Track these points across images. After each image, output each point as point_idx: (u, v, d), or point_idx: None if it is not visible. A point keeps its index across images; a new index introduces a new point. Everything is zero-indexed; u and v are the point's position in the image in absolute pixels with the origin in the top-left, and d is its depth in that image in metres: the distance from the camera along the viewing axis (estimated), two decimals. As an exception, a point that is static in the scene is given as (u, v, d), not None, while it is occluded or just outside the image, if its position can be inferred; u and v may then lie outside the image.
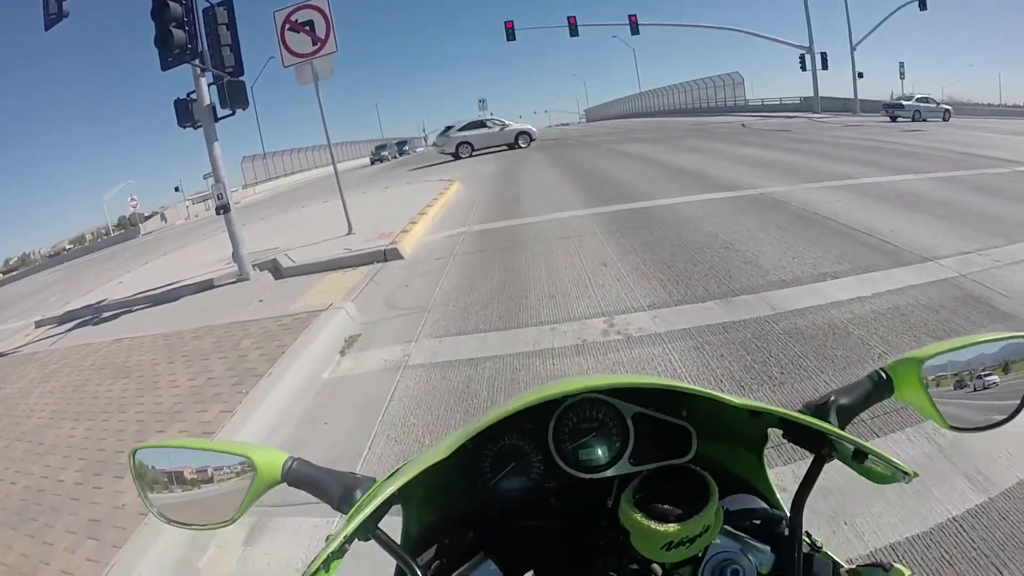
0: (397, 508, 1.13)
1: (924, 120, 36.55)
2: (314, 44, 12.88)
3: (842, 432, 1.02)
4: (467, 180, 22.63)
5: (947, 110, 39.97)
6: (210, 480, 1.16)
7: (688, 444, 1.18)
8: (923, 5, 45.61)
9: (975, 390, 1.15)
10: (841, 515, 3.15)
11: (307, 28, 12.84)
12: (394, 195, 21.45)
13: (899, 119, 37.46)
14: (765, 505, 1.18)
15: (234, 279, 12.20)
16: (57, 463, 5.75)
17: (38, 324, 14.62)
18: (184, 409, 6.05)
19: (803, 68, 50.60)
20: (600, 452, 1.19)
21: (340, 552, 0.94)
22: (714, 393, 0.99)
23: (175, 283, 13.08)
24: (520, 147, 37.97)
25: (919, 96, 40.73)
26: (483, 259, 10.11)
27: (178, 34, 10.54)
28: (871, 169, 14.70)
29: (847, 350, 5.17)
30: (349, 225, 13.88)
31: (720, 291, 6.88)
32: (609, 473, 1.17)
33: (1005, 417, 1.15)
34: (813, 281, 6.88)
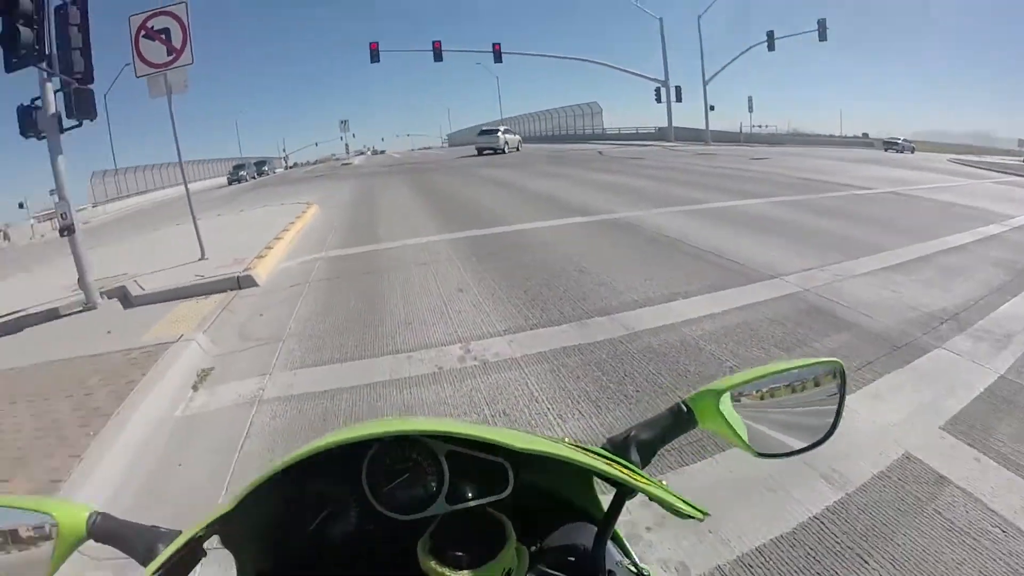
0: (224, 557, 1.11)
1: (903, 152, 50.05)
2: (169, 54, 12.28)
3: (630, 474, 1.04)
4: (325, 204, 22.33)
5: (913, 147, 53.35)
6: (12, 540, 1.11)
7: (506, 479, 1.17)
8: (771, 47, 48.75)
9: (781, 417, 1.21)
10: (706, 524, 3.22)
11: (163, 36, 12.24)
12: (250, 218, 20.90)
13: (889, 151, 50.45)
14: (591, 536, 1.16)
15: (80, 308, 11.58)
16: None
17: None
18: (28, 455, 5.67)
19: (658, 100, 52.88)
20: (416, 492, 1.16)
21: None
22: (496, 438, 0.98)
23: (15, 312, 12.37)
24: (507, 152, 49.58)
25: (904, 137, 54.79)
26: (339, 286, 9.99)
27: (25, 32, 9.83)
28: (720, 194, 15.38)
29: (700, 365, 5.40)
30: (202, 250, 13.38)
31: (575, 314, 7.03)
32: (424, 514, 1.14)
33: (815, 441, 1.21)
34: (665, 301, 7.14)
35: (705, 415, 1.18)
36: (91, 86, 11.51)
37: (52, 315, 11.62)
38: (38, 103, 11.18)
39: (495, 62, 50.85)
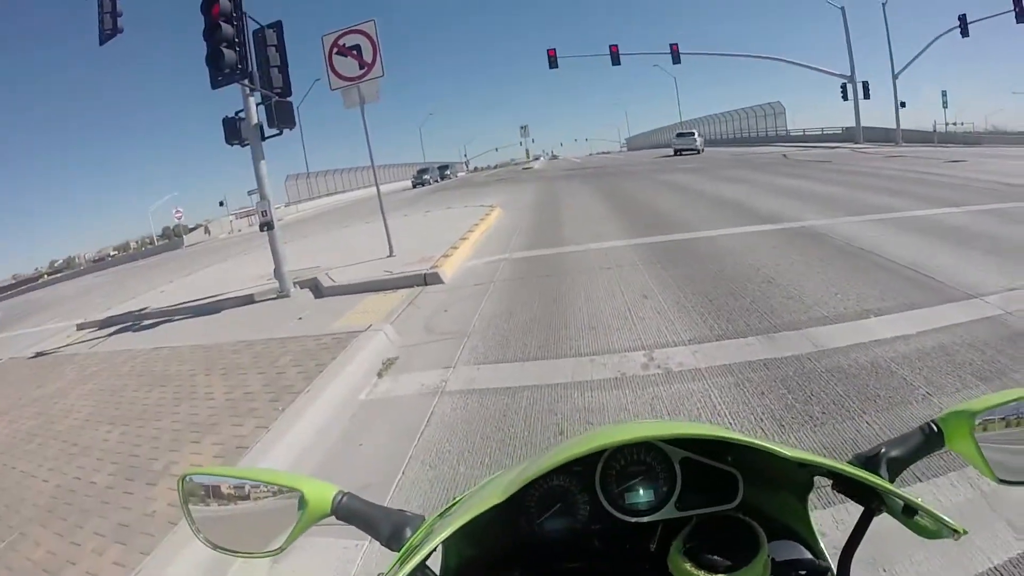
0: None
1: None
2: (361, 68, 13.15)
3: (892, 487, 1.01)
4: (508, 206, 22.81)
5: None
6: (258, 510, 1.18)
7: (734, 490, 1.17)
8: (964, 32, 44.86)
9: (1021, 443, 1.12)
10: (881, 562, 3.06)
11: (354, 52, 13.12)
12: (436, 219, 21.69)
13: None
14: (809, 553, 1.15)
15: (275, 295, 12.38)
16: (90, 465, 5.85)
17: (80, 327, 14.94)
18: (219, 422, 6.12)
19: (845, 98, 50.04)
20: (646, 496, 1.18)
21: None
22: (767, 445, 0.97)
23: (216, 296, 13.27)
24: (699, 152, 56.13)
25: None
26: (523, 287, 10.15)
27: (229, 54, 10.80)
28: (915, 202, 14.44)
29: (890, 390, 5.03)
30: (390, 247, 14.01)
31: (761, 326, 6.78)
32: (655, 517, 1.16)
33: None
34: (856, 318, 6.75)
35: (954, 436, 1.12)
36: (290, 98, 12.43)
37: (248, 300, 12.49)
38: (241, 115, 12.27)
39: (673, 63, 50.35)
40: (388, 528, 1.14)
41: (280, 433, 5.51)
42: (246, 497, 1.19)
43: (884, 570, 3.04)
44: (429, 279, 11.28)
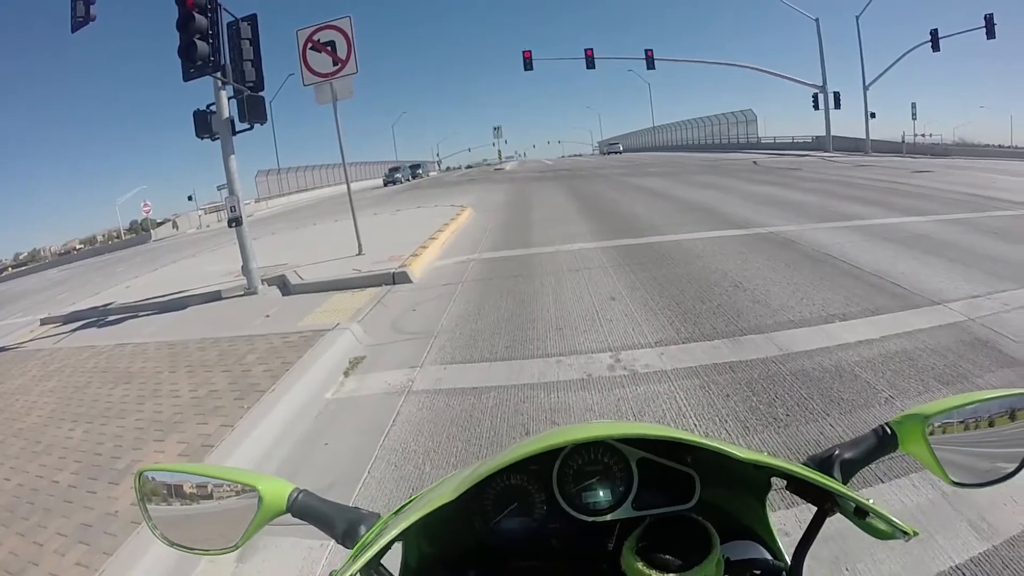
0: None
1: None
2: (335, 64, 13.08)
3: (843, 489, 1.02)
4: (478, 207, 22.80)
5: None
6: (215, 507, 1.17)
7: (692, 490, 1.18)
8: (935, 46, 45.33)
9: (979, 446, 1.15)
10: (843, 561, 3.09)
11: (329, 48, 13.03)
12: (406, 218, 21.65)
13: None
14: (767, 552, 1.17)
15: (242, 292, 12.27)
16: (53, 463, 5.74)
17: (43, 321, 14.71)
18: (184, 420, 6.04)
19: (816, 107, 50.30)
20: (603, 496, 1.19)
21: None
22: (720, 446, 0.98)
23: (183, 292, 13.13)
24: (620, 153, 76.03)
25: None
26: (492, 287, 10.15)
27: (202, 46, 10.66)
28: (881, 210, 14.59)
29: (853, 393, 5.10)
30: (360, 246, 13.94)
31: (728, 330, 6.83)
32: (611, 517, 1.17)
33: (1009, 471, 1.15)
34: (821, 323, 6.82)
35: (908, 439, 1.14)
36: (262, 93, 12.31)
37: (215, 297, 12.36)
38: (212, 108, 12.10)
39: (647, 68, 50.47)
40: (343, 526, 1.14)
41: (245, 432, 5.46)
42: (204, 495, 1.18)
43: (847, 569, 3.07)
44: (398, 278, 11.25)
